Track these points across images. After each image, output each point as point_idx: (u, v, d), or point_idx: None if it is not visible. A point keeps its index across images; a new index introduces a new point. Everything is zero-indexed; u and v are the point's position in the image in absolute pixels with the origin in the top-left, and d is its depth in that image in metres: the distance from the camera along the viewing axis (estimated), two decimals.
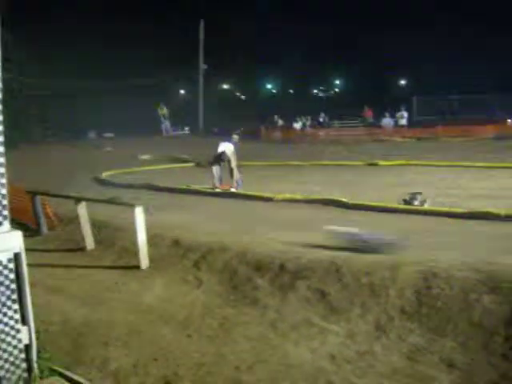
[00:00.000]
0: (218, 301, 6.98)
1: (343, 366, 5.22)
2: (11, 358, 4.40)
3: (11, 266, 4.37)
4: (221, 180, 14.67)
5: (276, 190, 13.17)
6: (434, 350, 5.32)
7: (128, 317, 6.63)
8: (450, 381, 4.87)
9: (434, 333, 5.55)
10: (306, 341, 5.74)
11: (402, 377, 4.99)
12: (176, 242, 8.84)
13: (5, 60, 4.41)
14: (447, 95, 37.63)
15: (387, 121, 33.53)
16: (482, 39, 37.46)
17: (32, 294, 4.63)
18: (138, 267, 8.38)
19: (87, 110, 38.02)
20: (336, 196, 11.90)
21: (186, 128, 43.06)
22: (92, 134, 39.89)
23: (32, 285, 4.66)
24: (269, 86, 62.81)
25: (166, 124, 40.91)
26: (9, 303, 4.38)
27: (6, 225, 4.36)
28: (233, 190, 14.20)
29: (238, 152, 14.84)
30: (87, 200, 10.10)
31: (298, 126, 36.80)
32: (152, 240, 8.73)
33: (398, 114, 33.44)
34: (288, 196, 12.53)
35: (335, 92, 63.11)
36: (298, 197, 12.46)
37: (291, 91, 61.39)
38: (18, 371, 4.46)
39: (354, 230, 7.98)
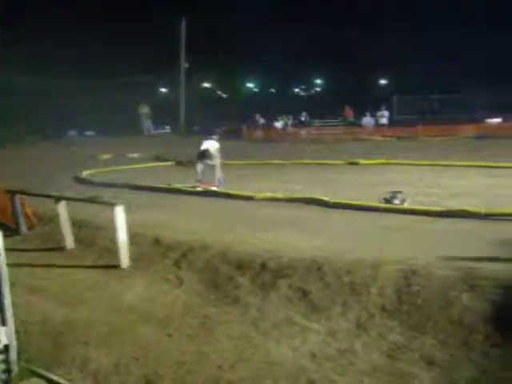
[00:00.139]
0: (199, 300, 6.98)
1: (324, 364, 5.24)
2: None
3: None
4: (203, 178, 14.60)
5: (257, 188, 13.15)
6: (415, 348, 5.36)
7: (108, 316, 6.60)
8: (430, 378, 4.91)
9: (415, 330, 5.60)
10: (288, 339, 5.76)
11: (382, 374, 5.02)
12: (157, 241, 8.82)
13: None
14: (428, 95, 37.91)
15: (368, 120, 33.70)
16: (464, 39, 37.78)
17: (11, 293, 4.59)
18: (118, 266, 8.35)
19: (69, 109, 37.77)
20: (317, 195, 11.92)
21: (167, 127, 42.94)
22: (73, 133, 39.64)
23: (11, 285, 4.63)
24: (251, 85, 62.83)
25: (148, 123, 40.80)
26: None
27: None
28: (214, 188, 14.15)
29: (220, 151, 14.79)
30: (67, 199, 10.02)
31: (278, 124, 36.84)
32: (133, 239, 8.69)
33: (379, 113, 33.62)
34: (269, 195, 12.52)
35: (316, 91, 63.27)
36: (279, 195, 12.45)
37: (273, 90, 61.47)
38: None
39: None
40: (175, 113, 41.54)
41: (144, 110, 40.64)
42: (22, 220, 10.77)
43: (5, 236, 4.67)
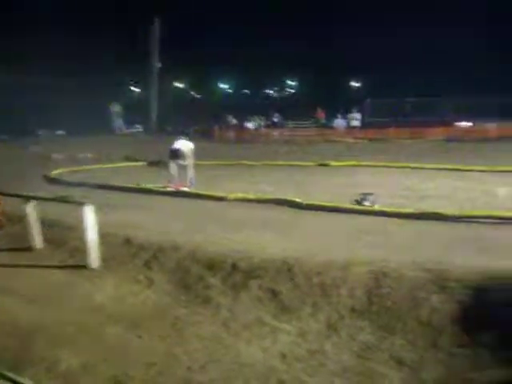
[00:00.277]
0: (170, 300, 6.95)
1: (294, 365, 5.26)
2: None
3: None
4: (175, 179, 14.50)
5: (229, 189, 13.13)
6: (384, 348, 5.41)
7: (78, 316, 6.53)
8: (400, 378, 4.95)
9: (384, 331, 5.64)
10: (258, 340, 5.76)
11: (352, 374, 5.05)
12: (128, 241, 8.76)
13: None
14: (400, 97, 38.23)
15: (339, 122, 33.89)
16: (438, 42, 38.12)
17: None
18: (88, 266, 8.26)
19: (41, 108, 37.28)
20: (289, 196, 11.95)
21: (138, 126, 42.65)
22: (42, 132, 39.13)
23: None
24: (224, 86, 62.74)
25: (119, 122, 40.51)
26: None
27: None
28: (185, 189, 14.08)
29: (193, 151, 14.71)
30: (37, 199, 9.89)
31: (250, 125, 36.81)
32: (104, 239, 8.60)
33: (350, 116, 33.83)
34: (241, 196, 12.51)
35: (290, 93, 63.42)
36: (251, 196, 12.45)
37: (247, 91, 61.48)
38: None
39: None
40: (147, 112, 41.31)
41: (115, 108, 40.31)
42: None
43: None
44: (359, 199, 11.22)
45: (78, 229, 9.10)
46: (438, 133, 28.41)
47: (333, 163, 18.88)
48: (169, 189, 14.13)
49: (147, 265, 7.97)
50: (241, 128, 36.19)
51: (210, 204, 12.22)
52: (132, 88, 54.82)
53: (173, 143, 14.61)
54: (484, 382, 4.81)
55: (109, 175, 16.99)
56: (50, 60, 35.96)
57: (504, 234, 8.47)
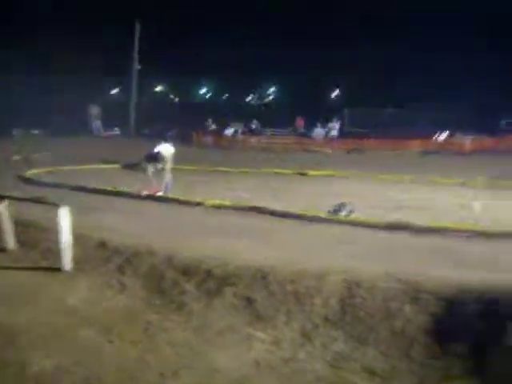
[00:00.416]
0: (143, 305, 6.90)
1: (268, 373, 5.25)
2: None
3: None
4: (153, 182, 14.39)
5: (205, 195, 13.11)
6: (357, 358, 5.43)
7: (50, 319, 6.45)
8: None
9: (357, 341, 5.66)
10: (232, 347, 5.75)
11: (325, 383, 5.06)
12: (102, 244, 8.68)
13: None
14: (379, 108, 38.51)
15: (318, 131, 34.01)
16: (419, 53, 38.41)
17: None
18: (61, 269, 8.16)
19: (18, 106, 36.87)
20: (266, 203, 11.96)
21: (116, 128, 42.39)
22: (17, 131, 38.67)
23: None
24: (204, 91, 62.74)
25: (98, 123, 40.26)
26: None
27: None
28: (160, 193, 14.00)
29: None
30: (10, 198, 9.75)
31: (229, 132, 36.69)
32: (78, 241, 8.51)
33: (330, 125, 33.98)
34: (217, 202, 12.50)
35: (269, 100, 63.56)
36: (228, 203, 12.44)
37: (227, 95, 61.48)
38: None
39: None
40: (126, 115, 41.10)
41: (93, 110, 40.10)
42: None
43: None
44: (335, 209, 11.27)
45: (52, 230, 8.99)
46: (415, 145, 28.73)
47: (311, 172, 18.94)
48: (144, 193, 14.02)
49: (120, 269, 7.90)
50: (219, 134, 36.13)
51: (187, 209, 12.18)
52: (111, 90, 54.54)
53: (153, 147, 14.54)
54: None
55: (84, 177, 16.81)
56: (27, 60, 35.65)
57: (477, 247, 8.58)
